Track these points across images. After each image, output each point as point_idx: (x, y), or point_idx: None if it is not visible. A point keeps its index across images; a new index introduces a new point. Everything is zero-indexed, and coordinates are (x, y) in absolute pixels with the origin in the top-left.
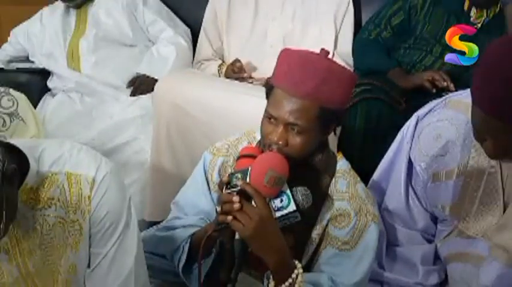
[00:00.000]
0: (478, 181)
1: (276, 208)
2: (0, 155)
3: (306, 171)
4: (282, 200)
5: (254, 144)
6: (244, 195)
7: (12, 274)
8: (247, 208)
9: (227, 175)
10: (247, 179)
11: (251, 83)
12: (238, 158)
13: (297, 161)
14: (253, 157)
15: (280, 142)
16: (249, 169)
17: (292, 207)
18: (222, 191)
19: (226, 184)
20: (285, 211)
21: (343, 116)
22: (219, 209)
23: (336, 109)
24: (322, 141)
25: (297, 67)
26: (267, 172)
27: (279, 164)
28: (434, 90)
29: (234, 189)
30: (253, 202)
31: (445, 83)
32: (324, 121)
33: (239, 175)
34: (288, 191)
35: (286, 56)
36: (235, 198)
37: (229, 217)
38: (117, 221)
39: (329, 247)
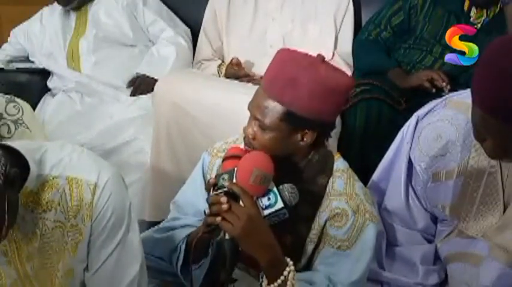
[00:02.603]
0: (478, 181)
1: (263, 206)
2: (3, 158)
3: (302, 172)
4: (269, 198)
5: None
6: (231, 195)
7: (11, 276)
8: (235, 208)
9: (214, 176)
10: (234, 180)
11: (253, 79)
12: (224, 159)
13: (278, 159)
14: (239, 157)
15: (249, 135)
16: (235, 169)
17: (280, 204)
18: (209, 192)
19: (213, 185)
20: (272, 209)
21: (328, 127)
22: (207, 211)
23: (305, 115)
24: (308, 145)
25: (272, 67)
26: (253, 171)
27: (263, 163)
28: (434, 90)
29: (221, 190)
30: (241, 202)
31: (443, 83)
32: (291, 124)
33: (226, 176)
34: (275, 189)
35: (277, 54)
36: (223, 199)
37: (218, 218)
38: (119, 225)
39: (327, 247)
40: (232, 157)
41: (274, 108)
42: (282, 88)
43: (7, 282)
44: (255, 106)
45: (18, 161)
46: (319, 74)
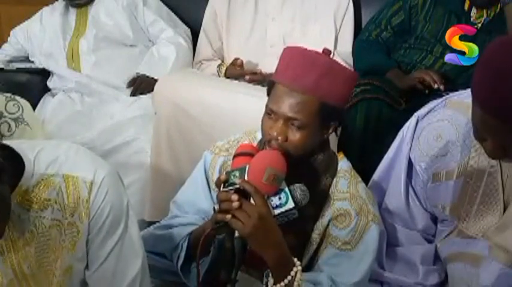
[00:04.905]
0: (478, 181)
1: (274, 206)
2: None
3: (307, 171)
4: (280, 198)
5: (255, 143)
6: (242, 193)
7: (7, 275)
8: (246, 206)
9: (224, 173)
10: (245, 177)
11: (259, 75)
12: (235, 156)
13: (296, 159)
14: (250, 154)
15: (280, 137)
16: (247, 166)
17: (291, 204)
18: (219, 189)
19: (223, 182)
20: (283, 208)
21: (344, 116)
22: (217, 207)
23: (336, 105)
24: (323, 141)
25: (298, 62)
26: (266, 170)
27: (277, 162)
28: (426, 91)
29: (232, 187)
30: (251, 200)
31: (435, 85)
32: (324, 117)
33: (237, 173)
34: (286, 189)
35: (287, 52)
36: (234, 196)
37: (228, 216)
38: (117, 223)
39: (330, 247)
40: (244, 154)
41: (308, 102)
42: (316, 81)
43: (4, 281)
44: (284, 106)
45: (13, 159)
46: (341, 65)
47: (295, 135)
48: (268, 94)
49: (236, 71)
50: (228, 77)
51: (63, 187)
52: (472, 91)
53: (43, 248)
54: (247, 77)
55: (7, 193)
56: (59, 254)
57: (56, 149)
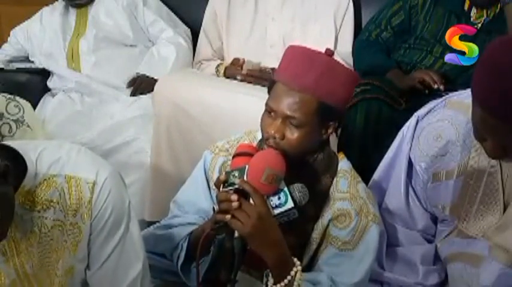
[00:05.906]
0: (478, 181)
1: (273, 205)
2: None
3: (307, 171)
4: (279, 198)
5: (255, 144)
6: (241, 193)
7: (10, 275)
8: (245, 206)
9: (224, 173)
10: (245, 177)
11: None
12: (234, 156)
13: (295, 158)
14: (249, 155)
15: (277, 135)
16: (246, 167)
17: (290, 204)
18: (219, 189)
19: (223, 182)
20: (283, 208)
21: (344, 117)
22: (216, 207)
23: (335, 106)
24: (322, 141)
25: (298, 61)
26: (265, 170)
27: (276, 162)
28: (426, 91)
29: (231, 187)
30: (251, 200)
31: (435, 86)
32: (322, 117)
33: (236, 173)
34: (286, 189)
35: (289, 51)
36: (234, 196)
37: (228, 216)
38: (118, 223)
39: (330, 247)
40: (243, 154)
41: (307, 101)
42: (315, 81)
43: (6, 282)
44: (283, 104)
45: (15, 160)
46: (342, 65)
47: (293, 134)
48: (269, 92)
49: (236, 71)
50: (227, 77)
51: (65, 187)
52: (472, 91)
53: (45, 249)
54: (244, 71)
55: (11, 193)
56: (60, 254)
57: (58, 149)
